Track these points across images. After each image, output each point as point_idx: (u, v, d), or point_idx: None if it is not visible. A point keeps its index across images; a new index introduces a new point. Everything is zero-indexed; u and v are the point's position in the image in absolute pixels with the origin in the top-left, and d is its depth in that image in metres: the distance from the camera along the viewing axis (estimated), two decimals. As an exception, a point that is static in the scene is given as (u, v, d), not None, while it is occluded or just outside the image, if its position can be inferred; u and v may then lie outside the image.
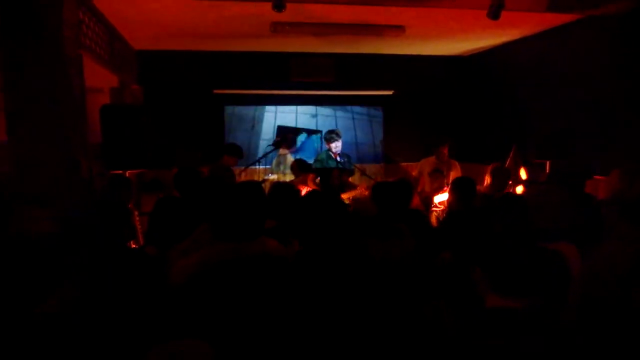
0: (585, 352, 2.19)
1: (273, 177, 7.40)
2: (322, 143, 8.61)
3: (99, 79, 5.28)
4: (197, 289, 2.45)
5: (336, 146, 6.64)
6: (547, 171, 5.75)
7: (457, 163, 6.77)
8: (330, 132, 6.85)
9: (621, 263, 2.79)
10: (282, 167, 7.85)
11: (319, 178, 6.51)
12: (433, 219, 6.25)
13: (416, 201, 6.46)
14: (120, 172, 4.80)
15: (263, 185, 6.39)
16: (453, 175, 6.51)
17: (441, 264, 3.14)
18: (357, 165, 7.07)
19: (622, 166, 4.27)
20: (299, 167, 6.68)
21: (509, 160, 6.29)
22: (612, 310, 2.65)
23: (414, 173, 6.97)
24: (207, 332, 2.34)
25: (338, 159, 6.64)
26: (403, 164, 8.56)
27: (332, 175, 6.50)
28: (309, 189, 6.40)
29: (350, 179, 6.81)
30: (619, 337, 2.47)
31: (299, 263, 2.62)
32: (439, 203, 6.30)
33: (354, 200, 6.51)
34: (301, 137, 8.64)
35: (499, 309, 2.20)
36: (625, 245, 2.87)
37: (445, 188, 6.34)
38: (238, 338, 2.34)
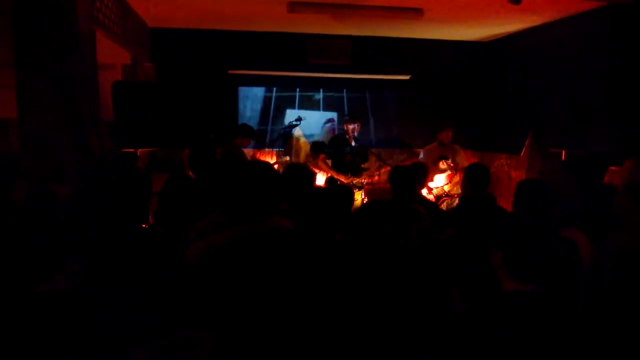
0: (595, 340, 2.16)
1: (285, 158, 7.39)
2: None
3: (112, 56, 5.24)
4: (210, 271, 2.48)
5: (354, 129, 6.57)
6: (563, 160, 5.68)
7: (460, 148, 6.68)
8: (349, 114, 6.81)
9: (634, 252, 2.75)
10: (294, 149, 7.84)
11: (330, 160, 6.48)
12: (444, 207, 6.20)
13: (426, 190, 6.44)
14: (132, 150, 4.78)
15: (275, 166, 6.39)
16: (459, 160, 6.45)
17: (443, 239, 3.10)
18: (373, 149, 7.00)
19: (636, 156, 4.20)
20: (313, 149, 6.67)
21: (525, 148, 6.22)
22: (623, 299, 2.62)
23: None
24: (215, 312, 2.35)
25: (352, 143, 6.58)
26: (419, 149, 8.48)
27: (344, 159, 6.47)
28: (320, 171, 6.39)
29: (363, 164, 6.76)
30: (630, 325, 2.44)
31: (311, 246, 2.60)
32: (449, 192, 6.26)
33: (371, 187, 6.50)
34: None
35: (515, 292, 2.18)
36: (636, 234, 2.82)
37: (449, 174, 6.30)
38: (246, 320, 2.34)
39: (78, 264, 2.51)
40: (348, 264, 2.57)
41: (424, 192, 6.33)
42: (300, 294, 2.37)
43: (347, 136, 6.59)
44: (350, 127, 6.55)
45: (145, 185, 2.92)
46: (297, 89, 8.81)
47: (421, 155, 6.90)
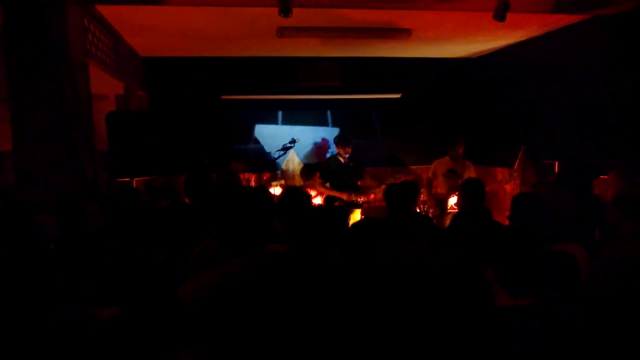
0: (594, 353, 2.17)
1: (281, 182, 7.42)
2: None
3: (105, 86, 5.28)
4: (207, 309, 2.49)
5: (346, 151, 6.59)
6: (556, 171, 5.71)
7: (471, 164, 6.72)
8: (341, 136, 6.82)
9: (629, 264, 2.76)
10: (289, 172, 7.87)
11: (328, 182, 6.50)
12: (448, 222, 6.21)
13: (430, 203, 6.48)
14: (127, 179, 4.79)
15: (271, 190, 6.42)
16: (467, 176, 6.47)
17: (445, 262, 3.11)
18: (367, 168, 7.02)
19: (622, 166, 4.25)
20: (308, 171, 6.67)
21: (518, 161, 6.26)
22: (622, 311, 2.62)
23: (428, 174, 6.93)
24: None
25: (345, 162, 6.61)
26: (412, 166, 8.53)
27: (342, 179, 6.51)
28: (317, 193, 6.40)
29: (359, 182, 6.79)
30: (629, 337, 2.45)
31: (309, 268, 2.61)
32: (455, 204, 6.28)
33: (367, 205, 6.52)
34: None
35: (509, 307, 2.19)
36: (632, 246, 2.84)
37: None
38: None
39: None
40: (348, 283, 2.57)
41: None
42: (303, 318, 2.38)
43: (340, 158, 6.61)
44: (343, 149, 6.58)
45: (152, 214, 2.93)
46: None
47: (432, 168, 6.94)
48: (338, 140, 6.71)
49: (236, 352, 2.34)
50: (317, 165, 7.03)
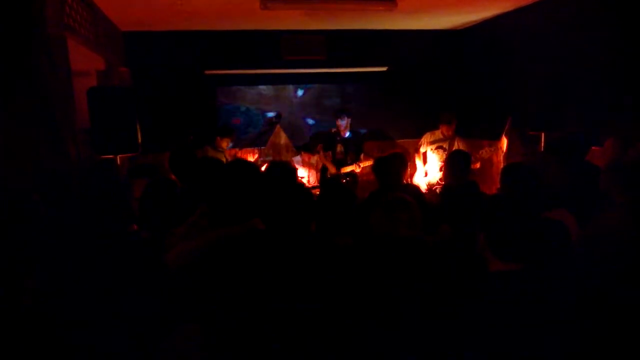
0: (584, 320, 2.19)
1: (268, 158, 7.38)
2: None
3: (85, 62, 5.15)
4: (194, 274, 2.50)
5: (343, 123, 6.66)
6: (542, 143, 5.72)
7: (460, 138, 6.74)
8: (339, 109, 6.89)
9: (622, 231, 2.77)
10: (276, 147, 7.83)
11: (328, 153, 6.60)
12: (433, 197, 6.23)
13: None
14: (111, 157, 4.70)
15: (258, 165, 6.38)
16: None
17: (441, 237, 3.12)
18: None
19: (616, 135, 4.25)
20: (311, 144, 6.76)
21: (504, 133, 6.24)
22: (614, 278, 2.64)
23: (420, 149, 6.94)
24: (203, 313, 2.35)
25: (345, 135, 6.68)
26: (399, 140, 8.50)
27: (335, 152, 6.57)
28: (316, 165, 6.44)
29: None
30: (622, 304, 2.46)
31: (282, 242, 2.59)
32: (440, 179, 6.30)
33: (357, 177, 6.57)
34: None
35: (501, 272, 2.21)
36: (625, 213, 2.85)
37: (442, 164, 6.34)
38: (233, 319, 2.34)
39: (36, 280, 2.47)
40: (329, 255, 2.56)
41: (423, 179, 6.43)
42: (280, 291, 2.37)
43: (337, 131, 6.69)
44: (341, 122, 6.64)
45: (124, 191, 2.88)
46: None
47: (421, 142, 6.96)
48: (335, 113, 6.78)
49: (222, 326, 2.33)
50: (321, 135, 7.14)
